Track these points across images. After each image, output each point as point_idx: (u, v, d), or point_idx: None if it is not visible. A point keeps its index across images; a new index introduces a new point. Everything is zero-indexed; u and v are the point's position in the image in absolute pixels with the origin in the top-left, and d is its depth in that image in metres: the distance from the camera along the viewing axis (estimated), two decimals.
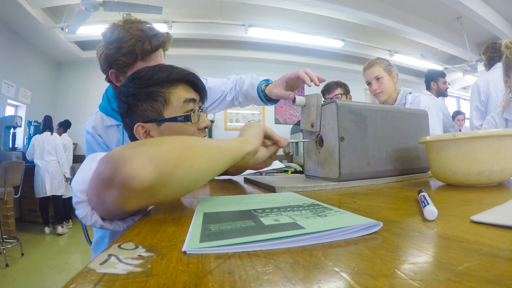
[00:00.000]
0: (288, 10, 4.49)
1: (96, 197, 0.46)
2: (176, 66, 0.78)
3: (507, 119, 1.53)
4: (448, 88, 3.28)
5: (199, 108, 0.81)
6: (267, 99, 1.11)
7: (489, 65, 2.41)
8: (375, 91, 1.86)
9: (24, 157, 4.02)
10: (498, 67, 2.15)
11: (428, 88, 3.23)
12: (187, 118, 0.75)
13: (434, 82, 3.20)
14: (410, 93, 1.85)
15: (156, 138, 0.50)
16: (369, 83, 1.91)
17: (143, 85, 0.73)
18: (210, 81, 1.23)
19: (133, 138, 0.77)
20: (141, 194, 0.40)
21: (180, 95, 0.75)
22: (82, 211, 0.51)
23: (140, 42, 0.97)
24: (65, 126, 4.53)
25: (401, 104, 1.81)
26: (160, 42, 1.01)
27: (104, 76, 1.11)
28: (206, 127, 0.81)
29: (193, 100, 0.77)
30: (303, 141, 0.88)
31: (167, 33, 1.05)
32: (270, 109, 5.82)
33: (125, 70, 1.00)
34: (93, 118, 1.15)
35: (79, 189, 0.49)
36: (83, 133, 1.16)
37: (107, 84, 1.16)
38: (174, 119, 0.74)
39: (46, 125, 4.04)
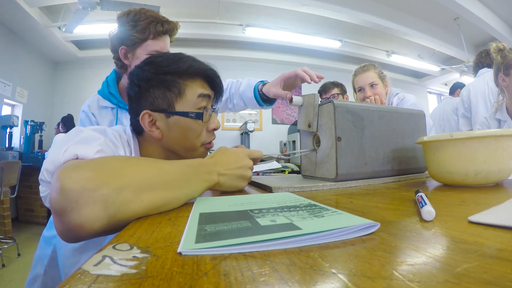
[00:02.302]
0: (286, 10, 4.49)
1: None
2: (197, 58, 0.75)
3: (499, 120, 1.55)
4: None
5: (212, 106, 0.78)
6: (264, 100, 1.11)
7: (474, 72, 2.51)
8: (369, 98, 1.65)
9: (20, 157, 4.00)
10: (481, 74, 2.29)
11: (453, 93, 3.68)
12: (198, 116, 0.71)
13: (461, 90, 3.54)
14: (397, 94, 1.74)
15: (119, 166, 0.44)
16: (361, 89, 1.72)
17: (160, 71, 0.70)
18: None
19: (136, 124, 0.73)
20: (91, 236, 0.39)
21: (195, 89, 0.72)
22: (43, 190, 0.51)
23: (154, 22, 1.10)
24: (68, 121, 4.42)
25: None
26: (171, 27, 1.15)
27: (101, 75, 1.17)
28: (215, 129, 0.78)
29: (208, 96, 0.74)
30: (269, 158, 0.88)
31: (177, 22, 1.19)
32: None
33: (135, 47, 1.11)
34: (90, 99, 1.22)
35: (46, 168, 0.49)
36: None
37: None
38: (185, 114, 0.70)
39: (70, 125, 3.96)
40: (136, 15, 1.11)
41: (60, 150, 0.49)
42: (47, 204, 0.51)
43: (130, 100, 0.74)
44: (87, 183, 0.37)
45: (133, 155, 0.69)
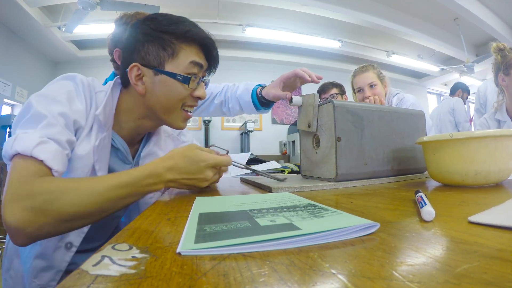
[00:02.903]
0: (286, 10, 4.49)
1: None
2: (198, 26, 0.76)
3: (499, 120, 1.54)
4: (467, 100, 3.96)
5: (203, 77, 0.78)
6: (262, 104, 1.11)
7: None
8: (368, 98, 1.67)
9: None
10: None
11: (453, 93, 3.78)
12: (185, 80, 0.72)
13: (462, 91, 3.76)
14: (396, 94, 1.76)
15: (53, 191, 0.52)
16: (360, 90, 1.74)
17: (159, 28, 0.71)
18: None
19: (124, 75, 0.74)
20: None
21: (189, 55, 0.73)
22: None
23: None
24: None
25: None
26: None
27: (101, 75, 1.20)
28: (200, 98, 0.78)
29: (200, 65, 0.75)
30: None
31: None
32: None
33: None
34: None
35: (3, 155, 0.56)
36: None
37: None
38: (172, 75, 0.71)
39: None
40: (127, 18, 1.14)
41: (13, 134, 0.57)
42: None
43: (125, 51, 0.75)
44: (18, 223, 0.47)
45: (100, 108, 0.69)
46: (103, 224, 0.82)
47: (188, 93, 0.75)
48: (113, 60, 1.18)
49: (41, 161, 0.54)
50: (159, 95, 0.73)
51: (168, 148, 0.92)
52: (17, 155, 0.54)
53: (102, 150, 0.71)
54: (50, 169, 0.56)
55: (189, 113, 0.79)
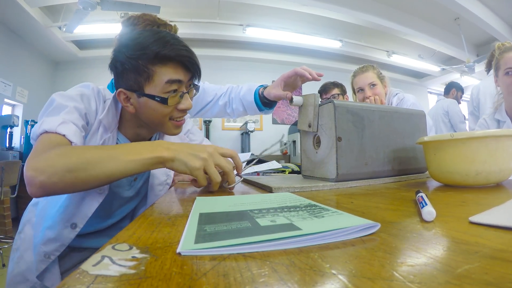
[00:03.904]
0: (286, 10, 4.49)
1: None
2: (174, 38, 0.76)
3: (499, 120, 1.53)
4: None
5: (190, 85, 0.81)
6: (265, 104, 1.11)
7: (487, 70, 2.53)
8: (368, 98, 1.67)
9: (21, 157, 3.99)
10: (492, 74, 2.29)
11: (447, 93, 3.77)
12: (163, 101, 0.75)
13: (456, 90, 3.75)
14: (397, 94, 1.76)
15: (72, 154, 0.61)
16: (360, 90, 1.74)
17: (131, 56, 0.74)
18: (206, 84, 1.26)
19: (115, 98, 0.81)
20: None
21: (164, 74, 0.74)
22: None
23: (150, 25, 1.16)
24: None
25: None
26: (167, 30, 1.16)
27: (102, 76, 1.21)
28: (185, 109, 0.81)
29: (178, 81, 0.76)
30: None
31: (175, 24, 1.22)
32: None
33: None
34: None
35: (32, 137, 0.69)
36: None
37: (103, 84, 1.22)
38: (152, 97, 0.75)
39: None
40: (134, 19, 1.17)
41: (39, 122, 0.69)
42: None
43: (114, 76, 0.81)
44: (32, 172, 0.57)
45: (103, 113, 0.79)
46: (107, 213, 0.91)
47: (172, 109, 0.79)
48: None
49: (64, 135, 0.67)
50: (146, 114, 0.79)
51: None
52: (43, 133, 0.67)
53: None
54: (71, 142, 0.67)
55: (180, 121, 0.83)
